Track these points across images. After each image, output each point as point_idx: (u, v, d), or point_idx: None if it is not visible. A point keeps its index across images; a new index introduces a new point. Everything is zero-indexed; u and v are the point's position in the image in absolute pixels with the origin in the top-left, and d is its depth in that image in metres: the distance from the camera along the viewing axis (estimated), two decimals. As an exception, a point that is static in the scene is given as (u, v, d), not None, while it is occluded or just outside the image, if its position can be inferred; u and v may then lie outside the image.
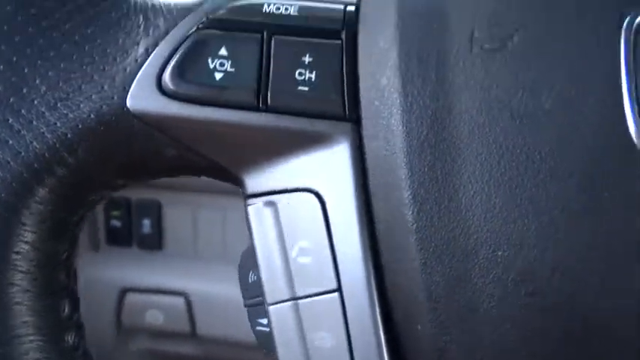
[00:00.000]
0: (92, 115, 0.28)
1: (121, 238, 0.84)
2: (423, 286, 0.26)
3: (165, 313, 0.81)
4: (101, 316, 0.82)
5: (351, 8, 0.29)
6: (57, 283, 0.29)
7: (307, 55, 0.28)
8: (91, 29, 0.28)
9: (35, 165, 0.28)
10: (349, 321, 0.28)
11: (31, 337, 0.29)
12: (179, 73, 0.28)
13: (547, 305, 0.25)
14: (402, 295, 0.27)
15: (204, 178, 0.31)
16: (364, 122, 0.27)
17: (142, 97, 0.28)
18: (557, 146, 0.25)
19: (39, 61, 0.28)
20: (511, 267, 0.25)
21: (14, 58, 0.28)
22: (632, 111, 0.24)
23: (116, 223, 0.84)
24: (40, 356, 0.29)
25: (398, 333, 0.27)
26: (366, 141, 0.27)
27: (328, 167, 0.28)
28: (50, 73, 0.28)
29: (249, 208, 0.29)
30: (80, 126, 0.28)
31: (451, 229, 0.26)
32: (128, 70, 0.28)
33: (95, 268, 0.82)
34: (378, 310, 0.27)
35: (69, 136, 0.28)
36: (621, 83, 0.25)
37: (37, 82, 0.28)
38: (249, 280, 0.31)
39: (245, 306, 0.32)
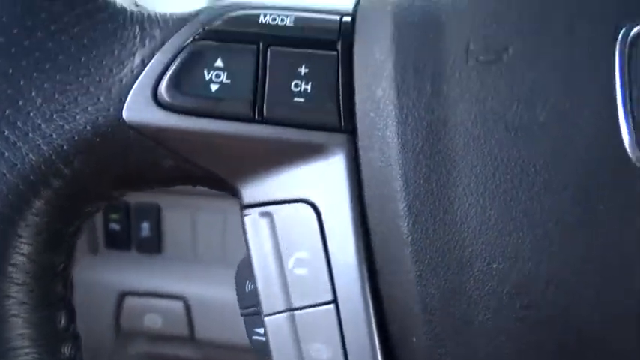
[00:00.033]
0: (88, 127, 0.28)
1: (120, 241, 0.84)
2: (418, 297, 0.26)
3: (164, 317, 0.81)
4: (100, 320, 0.82)
5: (348, 19, 0.29)
6: (53, 295, 0.29)
7: (303, 66, 0.28)
8: (87, 40, 0.28)
9: (31, 177, 0.28)
10: (345, 332, 0.28)
11: (27, 350, 0.29)
12: (175, 84, 0.28)
13: (542, 318, 0.25)
14: (398, 307, 0.27)
15: (203, 182, 0.31)
16: (360, 133, 0.27)
17: (137, 108, 0.28)
18: (551, 159, 0.25)
19: (35, 73, 0.28)
20: (506, 279, 0.25)
21: (10, 70, 0.28)
22: (627, 124, 0.24)
23: (115, 226, 0.84)
24: None
25: (393, 345, 0.27)
26: (361, 152, 0.27)
27: (324, 178, 0.28)
28: (46, 85, 0.28)
29: (246, 219, 0.29)
30: (76, 138, 0.28)
31: (446, 241, 0.26)
32: (124, 81, 0.28)
33: (94, 271, 0.82)
34: (373, 321, 0.27)
35: (65, 147, 0.28)
36: (616, 96, 0.25)
37: (33, 94, 0.28)
38: (246, 290, 0.31)
39: (242, 315, 0.32)
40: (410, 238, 0.26)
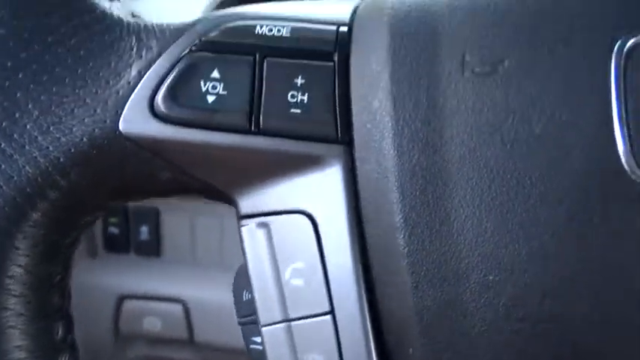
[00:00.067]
0: (85, 139, 0.28)
1: (119, 244, 0.84)
2: (414, 309, 0.26)
3: (163, 320, 0.81)
4: (99, 323, 0.82)
5: (344, 29, 0.29)
6: (51, 306, 0.30)
7: (300, 77, 0.28)
8: (83, 52, 0.28)
9: (28, 189, 0.28)
10: (342, 343, 0.28)
11: None
12: (171, 96, 0.28)
13: (538, 330, 0.25)
14: (394, 318, 0.27)
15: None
16: (356, 145, 0.27)
17: (134, 120, 0.28)
18: (547, 171, 0.25)
19: (31, 85, 0.28)
20: (502, 292, 0.25)
21: (6, 83, 0.28)
22: (623, 136, 0.24)
23: (114, 229, 0.84)
24: None
25: (390, 356, 0.27)
26: (358, 163, 0.27)
27: (320, 189, 0.28)
28: (42, 97, 0.28)
29: (243, 229, 0.29)
30: (73, 150, 0.28)
31: (442, 253, 0.26)
32: (121, 93, 0.28)
33: (93, 274, 0.82)
34: (370, 332, 0.27)
35: (61, 160, 0.28)
36: (611, 108, 0.25)
37: (30, 106, 0.28)
38: (243, 299, 0.31)
39: (239, 324, 0.32)
40: (406, 249, 0.26)
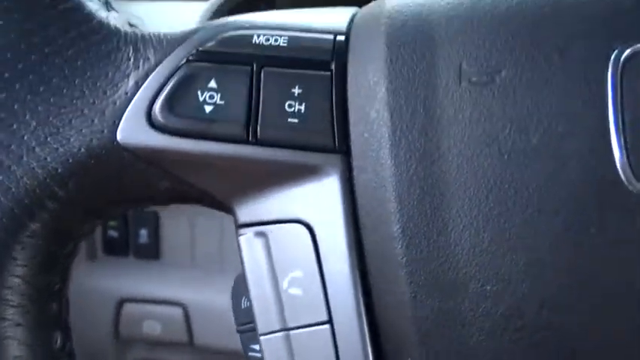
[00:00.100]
0: (82, 150, 0.28)
1: (118, 248, 0.84)
2: (412, 318, 0.26)
3: (163, 323, 0.81)
4: (99, 327, 0.82)
5: (341, 38, 0.29)
6: (49, 316, 0.30)
7: (297, 87, 0.28)
8: (81, 63, 0.28)
9: (26, 200, 0.28)
10: (340, 353, 0.28)
11: None
12: (169, 106, 0.28)
13: (535, 340, 0.25)
14: (393, 328, 0.27)
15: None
16: (354, 154, 0.27)
17: (132, 130, 0.28)
18: (544, 182, 0.25)
19: (29, 96, 0.28)
20: (500, 301, 0.25)
21: (4, 94, 0.28)
22: (619, 146, 0.24)
23: (113, 233, 0.84)
24: None
25: None
26: (355, 173, 0.27)
27: (318, 199, 0.28)
28: (40, 108, 0.28)
29: (241, 238, 0.29)
30: (70, 160, 0.28)
31: (440, 263, 0.26)
32: (118, 103, 0.28)
33: (92, 278, 0.82)
34: (368, 342, 0.27)
35: (59, 170, 0.28)
36: (608, 118, 0.25)
37: (27, 117, 0.28)
38: (242, 306, 0.31)
39: (238, 332, 0.32)
40: (404, 259, 0.26)
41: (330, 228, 0.28)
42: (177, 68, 0.28)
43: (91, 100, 0.28)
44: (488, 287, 0.25)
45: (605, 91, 0.25)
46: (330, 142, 0.28)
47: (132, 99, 0.28)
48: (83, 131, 0.28)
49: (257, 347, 0.30)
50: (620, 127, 0.24)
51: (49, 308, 0.30)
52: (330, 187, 0.28)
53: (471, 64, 0.26)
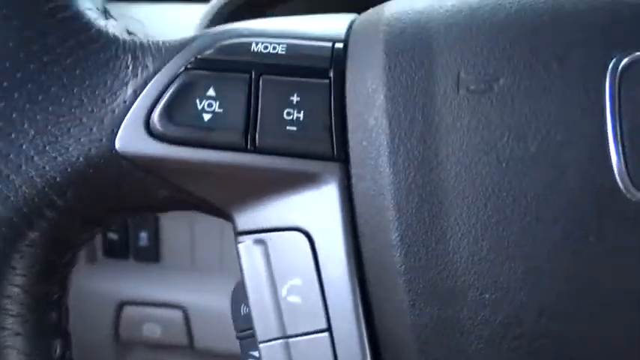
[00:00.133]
0: (81, 159, 0.28)
1: (118, 250, 0.84)
2: (411, 327, 0.26)
3: (163, 326, 0.81)
4: (99, 330, 0.82)
5: (340, 45, 0.29)
6: (48, 324, 0.30)
7: (295, 95, 0.28)
8: (79, 71, 0.28)
9: (24, 209, 0.28)
10: None
11: None
12: (167, 114, 0.28)
13: (534, 348, 0.25)
14: (391, 336, 0.27)
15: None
16: (352, 162, 0.27)
17: (130, 139, 0.28)
18: (542, 190, 0.25)
19: (27, 105, 0.28)
20: (498, 310, 0.25)
21: (2, 104, 0.28)
22: (617, 154, 0.24)
23: (113, 235, 0.84)
24: None
25: None
26: (354, 181, 0.27)
27: (317, 207, 0.28)
28: (39, 117, 0.28)
29: (240, 246, 0.29)
30: (69, 169, 0.28)
31: (439, 271, 0.26)
32: (116, 112, 0.28)
33: (92, 280, 0.82)
34: (367, 350, 0.27)
35: (58, 179, 0.28)
36: (606, 127, 0.25)
37: (26, 126, 0.28)
38: (241, 313, 0.31)
39: (237, 338, 0.32)
40: (403, 267, 0.26)
41: (328, 236, 0.28)
42: (176, 76, 0.28)
43: (90, 109, 0.28)
44: (487, 295, 0.25)
45: (604, 100, 0.25)
46: (329, 150, 0.28)
47: (130, 107, 0.28)
48: (82, 140, 0.28)
49: (256, 354, 0.30)
50: (619, 135, 0.25)
51: (48, 317, 0.30)
52: (329, 195, 0.28)
53: (469, 71, 0.26)
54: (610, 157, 0.24)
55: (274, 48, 0.28)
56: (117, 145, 0.28)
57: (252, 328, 0.29)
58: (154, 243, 0.82)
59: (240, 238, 0.29)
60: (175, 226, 0.82)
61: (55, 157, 0.28)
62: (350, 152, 0.27)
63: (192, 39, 0.29)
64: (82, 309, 0.79)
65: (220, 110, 0.28)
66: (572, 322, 0.25)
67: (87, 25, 0.29)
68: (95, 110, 0.28)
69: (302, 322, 0.28)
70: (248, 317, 0.30)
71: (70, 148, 0.28)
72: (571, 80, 0.25)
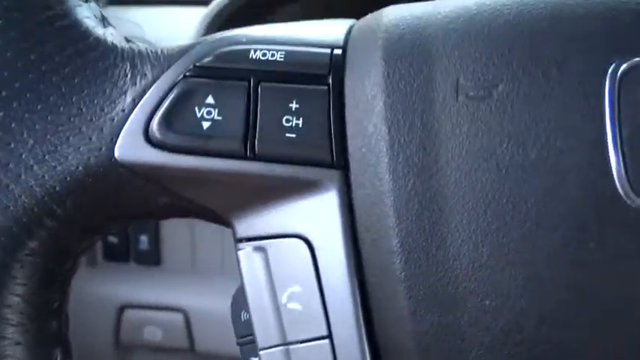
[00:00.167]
0: (80, 167, 0.28)
1: (119, 254, 0.84)
2: (412, 334, 0.26)
3: (164, 330, 0.81)
4: (99, 333, 0.82)
5: (338, 51, 0.29)
6: (48, 334, 0.29)
7: (294, 102, 0.28)
8: (78, 80, 0.28)
9: (24, 219, 0.28)
10: None
11: None
12: (166, 122, 0.28)
13: (535, 355, 0.25)
14: (392, 343, 0.27)
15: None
16: (352, 169, 0.27)
17: (129, 147, 0.28)
18: (542, 196, 0.25)
19: (26, 115, 0.28)
20: (499, 316, 0.25)
21: (1, 114, 0.28)
22: (617, 161, 0.24)
23: (113, 239, 0.84)
24: None
25: None
26: (353, 188, 0.27)
27: (317, 214, 0.28)
28: (37, 127, 0.28)
29: (239, 253, 0.29)
30: (68, 178, 0.28)
31: (439, 277, 0.26)
32: (115, 120, 0.28)
33: (93, 284, 0.82)
34: (368, 357, 0.27)
35: (57, 188, 0.28)
36: (606, 133, 0.25)
37: (25, 135, 0.28)
38: (242, 319, 0.31)
39: (238, 344, 0.32)
40: (403, 274, 0.26)
41: (329, 243, 0.28)
42: (175, 84, 0.28)
43: (89, 118, 0.28)
44: (488, 302, 0.25)
45: (603, 106, 0.25)
46: (328, 157, 0.28)
47: (129, 116, 0.28)
48: (81, 149, 0.28)
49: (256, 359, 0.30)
50: (618, 141, 0.24)
51: (48, 326, 0.30)
52: (329, 202, 0.28)
53: (468, 78, 0.26)
54: (610, 163, 0.24)
55: (272, 55, 0.28)
56: (116, 154, 0.28)
57: (252, 334, 0.29)
58: (155, 246, 0.83)
59: (240, 245, 0.29)
60: (176, 229, 0.82)
61: (55, 167, 0.28)
62: (349, 159, 0.27)
63: (191, 46, 0.29)
64: (82, 313, 0.79)
65: (219, 118, 0.28)
66: (573, 329, 0.25)
67: (85, 34, 0.29)
68: (94, 119, 0.28)
69: (302, 329, 0.28)
70: (248, 323, 0.30)
71: (70, 157, 0.28)
72: (570, 86, 0.25)
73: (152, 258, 0.83)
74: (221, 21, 0.71)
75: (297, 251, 0.28)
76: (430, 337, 0.26)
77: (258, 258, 0.29)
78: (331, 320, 0.28)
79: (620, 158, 0.24)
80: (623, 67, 0.25)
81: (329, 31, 0.30)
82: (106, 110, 0.28)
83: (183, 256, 0.82)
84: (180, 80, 0.28)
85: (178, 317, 0.81)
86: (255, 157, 0.28)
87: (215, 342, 0.79)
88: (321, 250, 0.28)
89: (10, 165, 0.28)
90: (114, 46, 0.29)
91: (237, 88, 0.28)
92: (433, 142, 0.26)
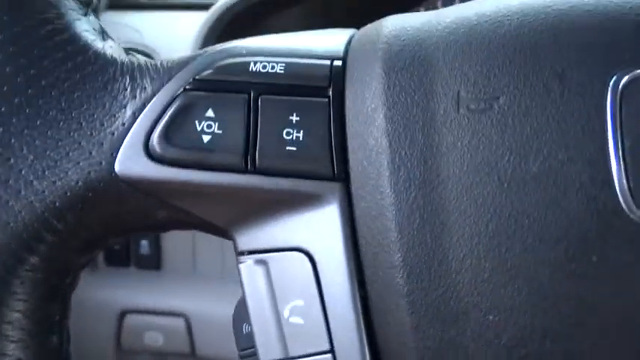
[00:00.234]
0: (80, 182, 0.28)
1: (119, 258, 0.84)
2: (415, 349, 0.26)
3: (165, 335, 0.81)
4: (100, 338, 0.82)
5: (338, 63, 0.28)
6: (49, 349, 0.29)
7: (295, 114, 0.28)
8: (77, 94, 0.28)
9: (24, 235, 0.28)
10: None
11: None
12: (166, 136, 0.28)
13: None
14: (394, 358, 0.27)
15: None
16: (353, 182, 0.27)
17: (129, 161, 0.28)
18: (545, 210, 0.25)
19: (25, 130, 0.28)
20: (502, 332, 0.25)
21: (0, 129, 0.27)
22: (619, 174, 0.24)
23: (114, 244, 0.84)
24: None
25: None
26: (355, 201, 0.27)
27: (318, 227, 0.28)
28: (37, 142, 0.28)
29: (241, 266, 0.29)
30: (69, 193, 0.28)
31: (442, 292, 0.26)
32: (115, 135, 0.28)
33: (93, 289, 0.82)
34: None
35: (57, 204, 0.28)
36: (608, 146, 0.24)
37: (25, 151, 0.28)
38: (243, 332, 0.31)
39: (239, 357, 0.32)
40: (405, 289, 0.26)
41: (330, 256, 0.28)
42: (175, 98, 0.28)
43: (89, 132, 0.28)
44: (491, 317, 0.25)
45: (605, 118, 0.25)
46: (329, 170, 0.27)
47: (129, 130, 0.28)
48: (81, 164, 0.28)
49: (259, 373, 0.30)
50: (620, 154, 0.24)
51: (49, 341, 0.29)
52: (330, 216, 0.27)
53: (469, 90, 0.26)
54: (612, 175, 0.24)
55: (272, 67, 0.28)
56: (116, 169, 0.28)
57: (254, 347, 0.29)
58: (155, 251, 0.82)
59: (242, 258, 0.29)
60: (176, 234, 0.82)
61: (55, 182, 0.28)
62: (350, 172, 0.27)
63: (191, 58, 0.29)
64: (83, 318, 0.79)
65: (219, 131, 0.28)
66: (577, 342, 0.25)
67: (84, 48, 0.28)
68: (94, 134, 0.28)
69: (304, 343, 0.28)
70: (250, 336, 0.29)
71: (70, 172, 0.28)
72: (572, 98, 0.25)
73: (153, 263, 0.83)
74: (222, 26, 0.71)
75: (298, 265, 0.28)
76: (433, 353, 0.26)
77: (259, 271, 0.29)
78: (333, 335, 0.28)
79: (623, 171, 0.24)
80: (625, 78, 0.25)
81: (329, 42, 0.30)
82: (105, 124, 0.28)
83: (184, 261, 0.82)
84: (180, 93, 0.28)
85: (179, 322, 0.80)
86: (256, 171, 0.28)
87: (216, 347, 0.79)
88: (322, 263, 0.28)
89: (10, 181, 0.27)
90: (113, 60, 0.29)
91: (237, 101, 0.28)
92: (434, 156, 0.26)
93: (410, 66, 0.27)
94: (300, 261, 0.28)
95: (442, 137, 0.26)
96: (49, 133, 0.28)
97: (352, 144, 0.27)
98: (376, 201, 0.26)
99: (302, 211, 0.28)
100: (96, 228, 0.29)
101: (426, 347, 0.26)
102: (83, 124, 0.28)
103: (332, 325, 0.28)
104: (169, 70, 0.29)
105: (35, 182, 0.28)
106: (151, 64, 0.29)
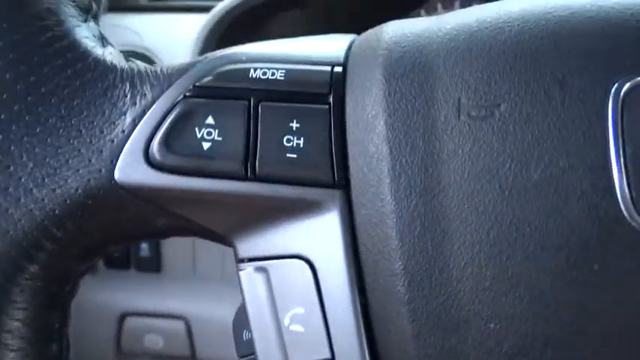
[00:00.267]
0: (80, 190, 0.28)
1: (119, 261, 0.84)
2: (415, 357, 0.26)
3: (165, 337, 0.81)
4: (100, 341, 0.82)
5: (339, 69, 0.28)
6: (49, 357, 0.29)
7: (295, 121, 0.27)
8: (77, 102, 0.28)
9: (24, 243, 0.27)
10: None
11: None
12: (166, 144, 0.28)
13: None
14: None
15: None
16: (353, 189, 0.27)
17: (129, 169, 0.28)
18: (546, 218, 0.25)
19: (25, 138, 0.27)
20: (504, 340, 0.25)
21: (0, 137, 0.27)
22: (621, 181, 0.24)
23: (114, 246, 0.83)
24: None
25: None
26: (355, 208, 0.27)
27: (319, 234, 0.28)
28: (37, 150, 0.28)
29: (241, 273, 0.29)
30: (68, 201, 0.28)
31: (443, 300, 0.26)
32: (115, 142, 0.28)
33: (93, 292, 0.82)
34: None
35: (57, 212, 0.28)
36: (609, 153, 0.24)
37: (24, 158, 0.27)
38: (244, 338, 0.31)
39: (240, 364, 0.32)
40: (406, 297, 0.26)
41: (331, 264, 0.27)
42: (175, 104, 0.28)
43: (88, 140, 0.28)
44: (492, 325, 0.25)
45: (606, 125, 0.25)
46: (330, 177, 0.27)
47: (129, 137, 0.28)
48: (80, 171, 0.28)
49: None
50: (622, 161, 0.24)
51: (49, 349, 0.29)
52: (331, 223, 0.27)
53: (470, 97, 0.26)
54: (613, 183, 0.24)
55: (273, 74, 0.28)
56: (116, 176, 0.28)
57: (254, 353, 0.29)
58: (155, 253, 0.82)
59: (242, 265, 0.29)
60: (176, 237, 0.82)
61: (54, 189, 0.27)
62: (351, 179, 0.27)
63: (191, 65, 0.29)
64: (83, 321, 0.79)
65: (220, 138, 0.28)
66: (578, 351, 0.25)
67: (84, 54, 0.28)
68: (94, 141, 0.28)
69: (305, 351, 0.28)
70: (250, 343, 0.29)
71: (69, 180, 0.28)
72: (573, 105, 0.25)
73: (153, 265, 0.83)
74: (222, 29, 0.71)
75: (299, 272, 0.28)
76: None
77: (259, 279, 0.28)
78: (334, 343, 0.27)
79: (624, 178, 0.24)
80: (627, 85, 0.25)
81: (329, 47, 0.29)
82: (105, 132, 0.28)
83: (184, 264, 0.82)
84: (180, 100, 0.28)
85: (179, 325, 0.80)
86: (256, 178, 0.28)
87: (216, 350, 0.79)
88: (323, 271, 0.28)
89: (10, 189, 0.27)
90: (113, 66, 0.29)
91: (237, 108, 0.28)
92: (435, 163, 0.26)
93: (410, 72, 0.27)
94: (300, 268, 0.28)
95: (443, 144, 0.26)
96: (48, 140, 0.28)
97: (353, 151, 0.27)
98: (377, 208, 0.26)
99: (302, 218, 0.28)
100: (96, 235, 0.29)
101: (427, 355, 0.26)
102: (83, 131, 0.28)
103: (332, 333, 0.27)
104: (169, 77, 0.29)
105: (35, 190, 0.27)
106: (150, 71, 0.29)
